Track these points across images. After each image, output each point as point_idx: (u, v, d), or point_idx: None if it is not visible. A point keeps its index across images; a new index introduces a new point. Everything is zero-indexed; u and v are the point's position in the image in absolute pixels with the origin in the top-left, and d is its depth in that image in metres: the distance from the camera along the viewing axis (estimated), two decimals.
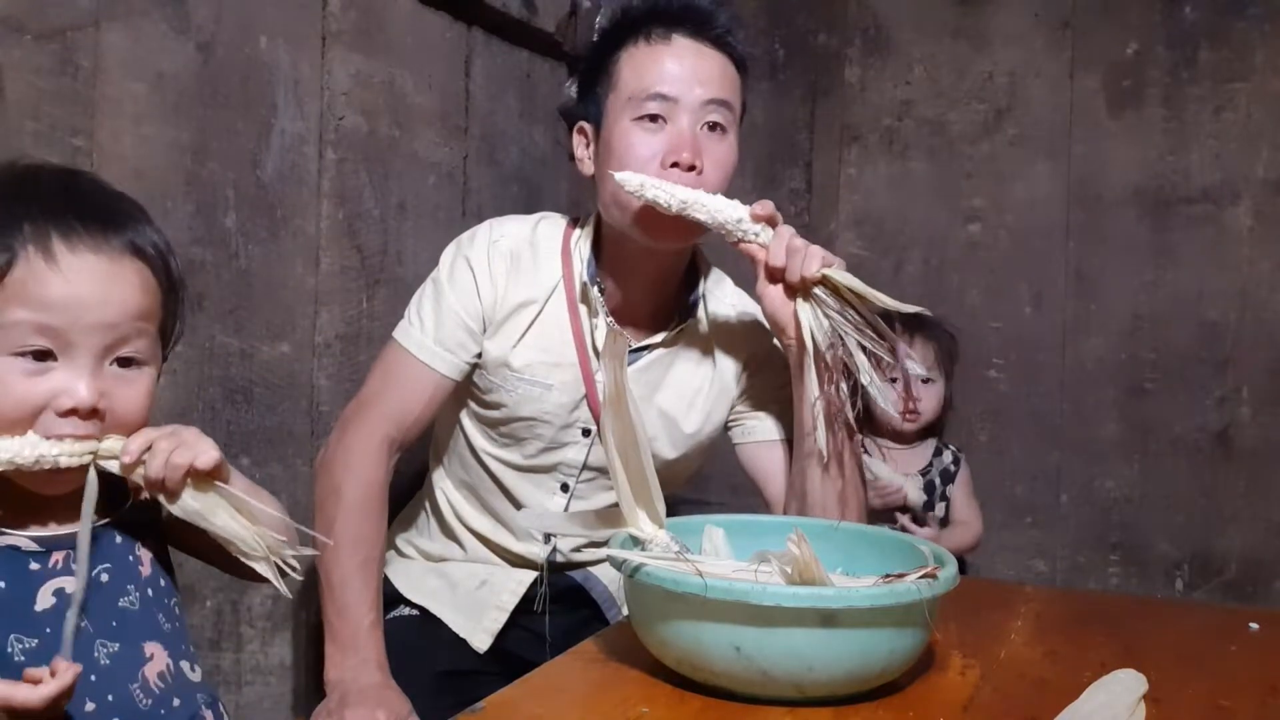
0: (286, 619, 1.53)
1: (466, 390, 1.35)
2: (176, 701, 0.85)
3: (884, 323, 1.16)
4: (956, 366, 2.09)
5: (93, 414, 0.79)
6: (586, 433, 1.33)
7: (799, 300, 1.18)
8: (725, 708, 0.85)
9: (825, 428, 1.20)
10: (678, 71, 1.24)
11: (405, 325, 1.33)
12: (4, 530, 0.81)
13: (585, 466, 1.35)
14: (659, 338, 1.34)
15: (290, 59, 1.49)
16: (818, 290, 1.17)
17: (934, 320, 2.07)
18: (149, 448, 0.81)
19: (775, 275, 1.19)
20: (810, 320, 1.18)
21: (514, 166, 1.98)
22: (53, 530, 0.83)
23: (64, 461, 0.78)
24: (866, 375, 1.16)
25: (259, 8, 1.44)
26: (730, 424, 1.41)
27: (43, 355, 0.78)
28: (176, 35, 1.33)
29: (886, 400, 1.19)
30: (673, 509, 1.04)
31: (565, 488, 1.36)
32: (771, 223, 1.20)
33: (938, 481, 2.05)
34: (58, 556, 0.82)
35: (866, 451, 2.03)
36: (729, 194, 1.24)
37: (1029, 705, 0.86)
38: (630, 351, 1.32)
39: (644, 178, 1.18)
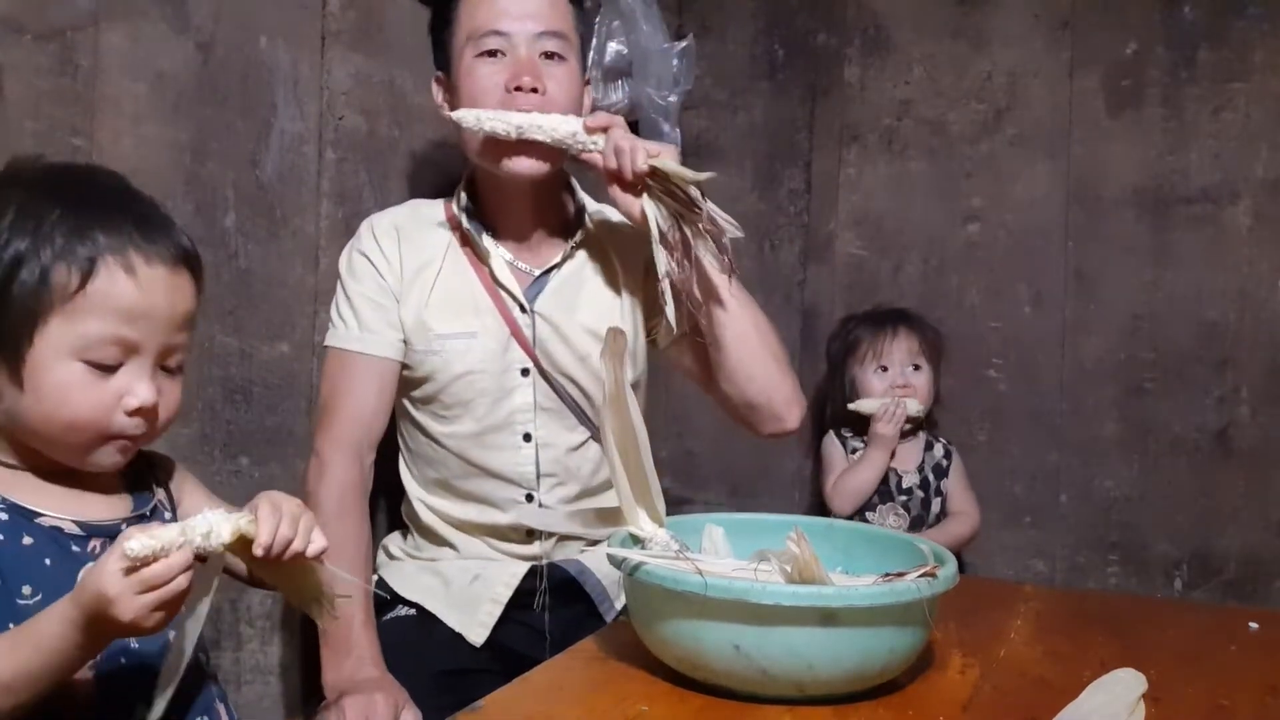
0: (286, 619, 1.53)
1: (404, 384, 1.37)
2: (196, 691, 0.89)
3: (699, 195, 1.23)
4: (943, 361, 2.11)
5: (151, 411, 0.85)
6: (525, 372, 1.36)
7: (643, 196, 1.25)
8: (725, 706, 0.85)
9: (675, 302, 1.25)
10: (511, 8, 1.32)
11: (331, 331, 1.37)
12: (47, 513, 0.84)
13: (538, 408, 1.37)
14: (559, 257, 1.39)
15: (290, 59, 1.49)
16: (651, 182, 1.24)
17: (917, 316, 2.11)
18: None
19: (612, 176, 1.26)
20: (653, 211, 1.25)
21: None
22: (93, 517, 0.86)
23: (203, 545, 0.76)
24: (700, 247, 1.23)
25: (259, 7, 1.44)
26: (650, 332, 1.44)
27: (113, 366, 0.83)
28: (176, 35, 1.33)
29: (718, 265, 1.27)
30: (673, 508, 1.04)
31: (528, 437, 1.37)
32: (606, 131, 1.27)
33: (931, 477, 2.06)
34: (96, 542, 0.86)
35: (855, 437, 2.06)
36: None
37: (1029, 704, 0.86)
38: (535, 279, 1.39)
39: (479, 112, 1.27)
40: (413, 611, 1.38)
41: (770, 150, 2.41)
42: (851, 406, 2.06)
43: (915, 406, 2.02)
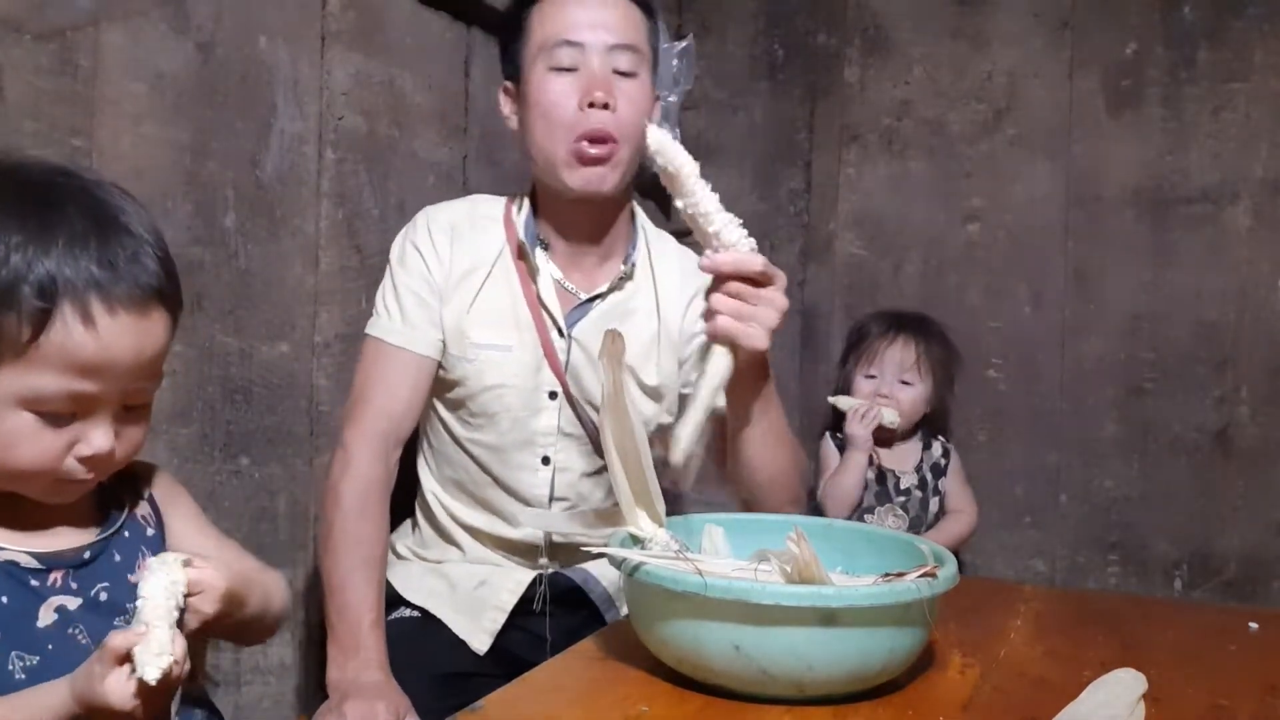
0: (286, 619, 1.53)
1: (437, 383, 1.36)
2: (175, 715, 0.86)
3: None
4: (950, 373, 2.08)
5: (106, 459, 0.80)
6: (553, 395, 1.35)
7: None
8: (725, 707, 0.84)
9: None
10: (583, 19, 1.29)
11: (374, 319, 1.36)
12: (3, 546, 0.80)
13: (559, 433, 1.36)
14: (606, 287, 1.37)
15: (290, 59, 1.49)
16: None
17: (928, 325, 2.07)
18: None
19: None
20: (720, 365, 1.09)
21: (513, 166, 1.98)
22: (52, 547, 0.82)
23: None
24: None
25: (259, 8, 1.44)
26: (683, 391, 1.42)
27: (66, 417, 0.78)
28: (176, 35, 1.33)
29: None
30: (673, 508, 1.04)
31: (546, 460, 1.36)
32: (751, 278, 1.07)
33: (930, 476, 2.05)
34: (57, 575, 0.82)
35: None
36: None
37: (1029, 704, 0.86)
38: (580, 304, 1.37)
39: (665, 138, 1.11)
40: (416, 613, 1.38)
41: (770, 150, 2.41)
42: (830, 400, 2.05)
43: (890, 416, 1.98)
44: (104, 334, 0.75)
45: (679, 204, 1.10)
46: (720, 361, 1.07)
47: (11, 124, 1.15)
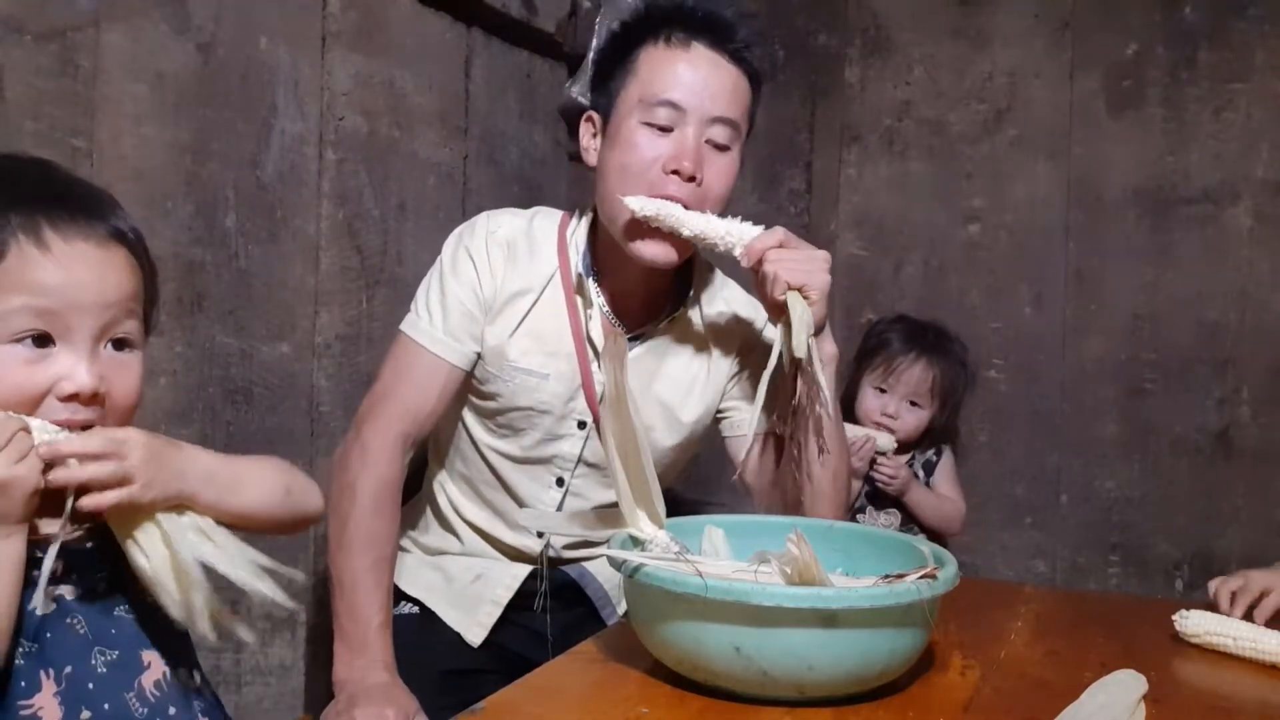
0: (286, 620, 1.53)
1: (466, 382, 1.35)
2: (173, 710, 0.85)
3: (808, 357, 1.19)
4: (959, 398, 2.05)
5: (93, 398, 0.80)
6: (582, 425, 1.34)
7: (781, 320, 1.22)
8: (725, 708, 0.85)
9: (765, 408, 1.25)
10: (691, 81, 1.24)
11: (413, 318, 1.34)
12: None
13: (580, 460, 1.35)
14: (654, 325, 1.35)
15: (290, 59, 1.49)
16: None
17: (946, 344, 2.03)
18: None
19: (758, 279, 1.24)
20: (778, 337, 1.22)
21: (514, 167, 1.98)
22: (50, 535, 0.81)
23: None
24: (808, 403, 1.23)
25: (259, 8, 1.44)
26: (720, 415, 1.42)
27: (42, 341, 0.78)
28: (176, 35, 1.33)
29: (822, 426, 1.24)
30: (674, 509, 1.04)
31: (560, 482, 1.36)
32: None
33: (920, 472, 2.05)
34: (58, 564, 0.81)
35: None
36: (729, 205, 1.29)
37: (1029, 705, 0.86)
38: (626, 338, 1.34)
39: (644, 200, 1.22)
40: (415, 609, 1.38)
41: (771, 151, 2.40)
42: None
43: (885, 443, 1.95)
44: (61, 258, 0.79)
45: (684, 235, 1.23)
46: (800, 306, 1.18)
47: (12, 124, 1.15)
